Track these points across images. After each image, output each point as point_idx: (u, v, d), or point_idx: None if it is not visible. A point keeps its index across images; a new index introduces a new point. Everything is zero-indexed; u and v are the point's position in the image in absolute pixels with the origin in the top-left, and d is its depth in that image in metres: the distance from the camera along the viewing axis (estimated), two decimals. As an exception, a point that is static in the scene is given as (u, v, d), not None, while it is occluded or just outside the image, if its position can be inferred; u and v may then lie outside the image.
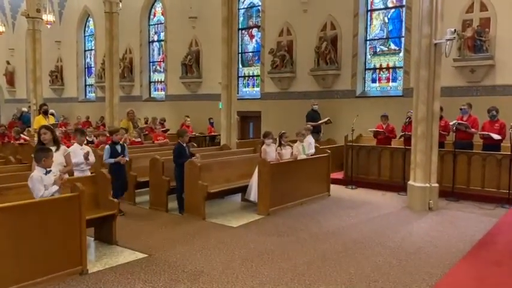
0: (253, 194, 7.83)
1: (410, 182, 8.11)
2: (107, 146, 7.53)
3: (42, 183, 4.56)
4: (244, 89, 16.14)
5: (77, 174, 6.48)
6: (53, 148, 5.54)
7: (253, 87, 15.93)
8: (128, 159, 7.63)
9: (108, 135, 11.54)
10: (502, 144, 8.88)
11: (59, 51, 21.76)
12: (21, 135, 12.48)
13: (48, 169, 4.69)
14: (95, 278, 4.72)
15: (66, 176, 5.09)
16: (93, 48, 21.05)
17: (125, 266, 5.08)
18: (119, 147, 7.53)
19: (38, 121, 10.77)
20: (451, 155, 8.93)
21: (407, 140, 9.08)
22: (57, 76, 21.96)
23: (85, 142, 7.18)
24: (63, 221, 4.61)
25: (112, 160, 7.35)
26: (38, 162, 4.71)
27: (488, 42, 10.63)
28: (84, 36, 21.65)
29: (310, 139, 9.29)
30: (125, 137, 10.59)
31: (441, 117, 8.86)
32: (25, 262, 4.32)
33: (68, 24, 21.23)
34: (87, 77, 21.84)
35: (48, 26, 17.88)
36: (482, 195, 8.56)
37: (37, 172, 4.65)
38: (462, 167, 8.86)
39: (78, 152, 6.59)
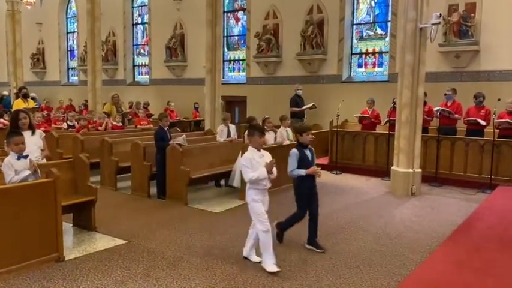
0: (236, 180, 7.74)
1: (394, 168, 8.12)
2: (294, 150, 5.01)
3: (12, 168, 4.41)
4: (229, 74, 15.96)
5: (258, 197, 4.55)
6: (29, 132, 5.46)
7: (239, 71, 15.75)
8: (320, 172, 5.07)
9: (94, 119, 11.36)
10: (485, 130, 8.94)
11: (40, 33, 21.20)
12: (2, 119, 12.17)
13: (23, 154, 4.54)
14: (72, 265, 4.63)
15: (33, 161, 4.84)
16: (75, 30, 20.56)
17: (103, 253, 4.99)
18: (309, 153, 5.08)
19: (17, 105, 10.56)
20: (434, 140, 8.96)
21: (393, 126, 9.07)
22: (38, 59, 21.43)
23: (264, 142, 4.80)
24: (38, 207, 4.47)
25: (302, 172, 4.92)
26: (6, 147, 4.60)
27: (474, 28, 10.61)
28: (66, 18, 21.13)
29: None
30: (106, 121, 10.44)
31: (425, 103, 8.86)
32: (-2, 249, 4.20)
33: (49, 5, 20.65)
34: (69, 60, 21.37)
35: (29, 7, 17.40)
36: (464, 181, 8.63)
37: (8, 157, 4.51)
38: (445, 152, 8.91)
39: (257, 161, 4.53)
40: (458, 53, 10.84)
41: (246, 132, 8.01)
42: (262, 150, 4.66)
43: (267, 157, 4.63)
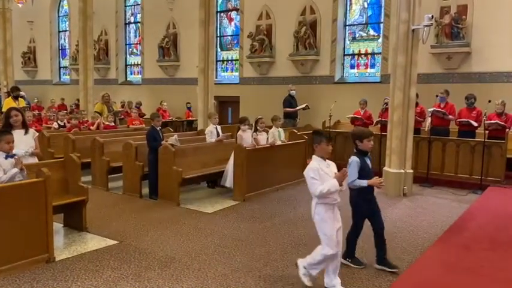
0: (229, 180, 7.75)
1: (386, 168, 8.15)
2: (355, 158, 4.44)
3: (1, 168, 4.37)
4: (222, 74, 15.94)
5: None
6: (22, 131, 5.47)
7: (232, 71, 15.74)
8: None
9: (84, 118, 11.27)
10: (476, 131, 9.02)
11: (31, 31, 21.02)
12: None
13: (10, 153, 4.49)
14: (62, 265, 4.59)
15: (19, 159, 4.79)
16: (67, 29, 20.41)
17: (93, 253, 4.95)
18: (368, 161, 4.55)
19: (7, 104, 10.47)
20: (426, 141, 9.01)
21: (384, 127, 9.13)
22: (29, 58, 21.24)
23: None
24: (28, 207, 4.43)
25: (364, 182, 4.38)
26: None
27: (465, 30, 10.70)
28: (58, 17, 20.97)
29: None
30: (98, 121, 10.38)
31: (417, 104, 8.91)
32: (-13, 250, 4.16)
33: (41, 4, 20.34)
34: (61, 59, 21.21)
35: (20, 5, 17.26)
36: (455, 181, 8.70)
37: (-3, 157, 4.48)
38: (437, 153, 8.97)
39: (325, 172, 3.97)
40: (449, 54, 10.92)
41: (238, 132, 8.04)
42: (327, 159, 4.07)
43: (333, 167, 4.09)
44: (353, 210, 4.60)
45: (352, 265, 4.68)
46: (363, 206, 4.55)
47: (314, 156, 4.03)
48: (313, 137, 4.14)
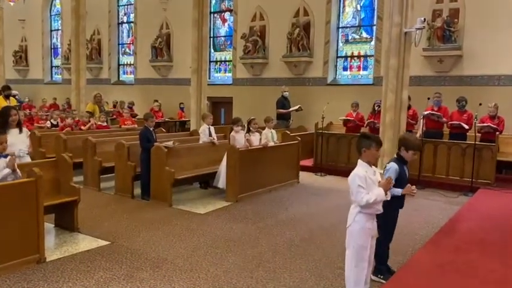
0: (221, 181, 7.75)
1: (378, 170, 8.18)
2: (394, 165, 4.29)
3: (-7, 167, 4.35)
4: (215, 74, 15.93)
5: None
6: (17, 130, 5.52)
7: (225, 72, 15.73)
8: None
9: (75, 118, 11.18)
10: (468, 134, 9.09)
11: (23, 30, 20.85)
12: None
13: (4, 153, 4.46)
14: (53, 266, 4.56)
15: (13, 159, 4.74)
16: (59, 28, 20.27)
17: (85, 254, 4.93)
18: (406, 171, 4.40)
19: (-2, 103, 10.37)
20: (418, 143, 9.06)
21: (372, 129, 9.21)
22: (21, 56, 21.04)
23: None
24: (19, 207, 4.39)
25: (399, 191, 4.18)
26: None
27: (457, 33, 10.79)
28: (50, 15, 20.82)
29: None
30: (91, 122, 10.33)
31: (409, 106, 8.97)
32: (-23, 250, 4.12)
33: (33, 2, 20.26)
34: (53, 58, 21.05)
35: (11, 3, 17.12)
36: (446, 183, 8.76)
37: (-11, 156, 4.44)
38: (428, 155, 9.02)
39: (372, 179, 3.71)
40: (441, 57, 11.00)
41: (231, 133, 8.04)
42: (373, 165, 3.78)
43: (378, 174, 3.83)
44: (384, 219, 4.16)
45: (385, 282, 4.32)
46: (393, 215, 4.40)
47: (360, 162, 3.75)
48: (360, 140, 3.81)
